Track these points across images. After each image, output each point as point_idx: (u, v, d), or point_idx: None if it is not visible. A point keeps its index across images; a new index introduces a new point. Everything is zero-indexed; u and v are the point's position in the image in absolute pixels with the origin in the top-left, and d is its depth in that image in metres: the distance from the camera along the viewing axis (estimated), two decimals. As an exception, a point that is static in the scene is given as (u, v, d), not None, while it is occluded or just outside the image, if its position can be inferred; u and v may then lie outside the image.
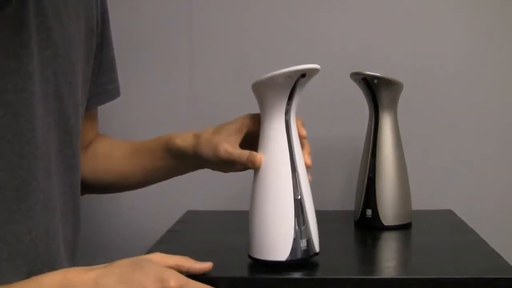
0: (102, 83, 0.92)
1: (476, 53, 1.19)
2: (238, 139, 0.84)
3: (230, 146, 0.83)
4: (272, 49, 1.21)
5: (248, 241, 0.81)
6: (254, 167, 0.80)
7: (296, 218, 0.77)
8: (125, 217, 1.27)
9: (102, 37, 0.90)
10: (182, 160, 0.90)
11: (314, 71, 0.77)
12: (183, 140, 0.88)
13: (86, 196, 1.25)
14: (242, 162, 0.81)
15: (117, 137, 1.00)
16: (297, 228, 0.78)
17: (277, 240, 0.77)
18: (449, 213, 1.13)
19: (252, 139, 0.83)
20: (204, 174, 1.16)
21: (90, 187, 0.95)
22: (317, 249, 0.80)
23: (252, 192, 0.80)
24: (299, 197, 0.78)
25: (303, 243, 0.78)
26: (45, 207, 0.76)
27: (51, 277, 0.67)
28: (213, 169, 0.89)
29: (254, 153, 0.80)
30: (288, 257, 0.77)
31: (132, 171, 0.95)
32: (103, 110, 0.99)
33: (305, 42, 1.21)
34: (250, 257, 0.80)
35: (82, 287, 0.66)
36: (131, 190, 1.00)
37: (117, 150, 0.97)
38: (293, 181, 0.78)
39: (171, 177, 0.95)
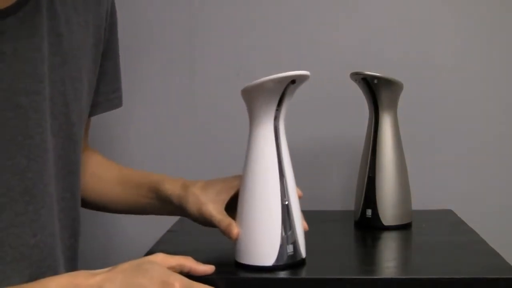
0: (104, 92, 0.92)
1: (476, 53, 1.19)
2: (226, 198, 0.84)
3: (215, 208, 0.83)
4: (272, 49, 1.21)
5: (234, 246, 0.81)
6: (230, 239, 0.80)
7: (283, 224, 0.77)
8: (125, 217, 1.27)
9: (108, 47, 0.90)
10: (166, 205, 0.89)
11: (304, 78, 0.76)
12: (172, 187, 0.88)
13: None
14: (220, 230, 0.82)
15: (107, 157, 1.00)
16: (283, 233, 0.77)
17: (263, 245, 0.77)
18: (449, 213, 1.13)
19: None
20: (204, 175, 1.16)
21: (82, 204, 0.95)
22: (303, 254, 0.80)
23: (240, 197, 0.80)
24: (286, 202, 0.78)
25: (289, 249, 0.78)
26: (50, 211, 0.76)
27: (57, 281, 0.67)
28: (194, 221, 0.88)
29: (233, 225, 0.80)
30: (274, 262, 0.77)
31: (116, 199, 0.95)
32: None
33: (305, 42, 1.21)
34: (236, 262, 0.80)
35: (87, 279, 0.66)
36: (112, 213, 1.00)
37: (106, 174, 0.96)
38: (280, 187, 0.78)
39: (152, 214, 0.95)
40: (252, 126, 0.79)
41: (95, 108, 0.91)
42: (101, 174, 0.96)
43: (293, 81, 0.76)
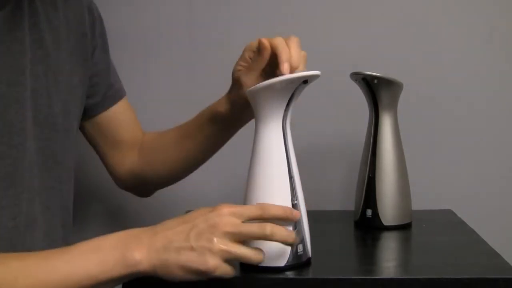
0: (100, 92, 0.96)
1: (476, 53, 1.19)
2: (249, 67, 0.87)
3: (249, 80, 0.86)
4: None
5: None
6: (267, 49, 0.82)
7: (293, 224, 0.77)
8: (125, 218, 1.27)
9: (96, 45, 0.93)
10: (219, 123, 0.93)
11: (315, 77, 0.77)
12: (222, 104, 0.92)
13: (85, 196, 1.25)
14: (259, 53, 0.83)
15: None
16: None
17: (276, 245, 0.76)
18: (449, 213, 1.13)
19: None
20: (204, 175, 1.17)
21: (158, 182, 1.02)
22: (310, 253, 0.81)
23: (248, 198, 0.79)
24: (295, 202, 0.78)
25: (299, 248, 0.78)
26: (30, 197, 0.78)
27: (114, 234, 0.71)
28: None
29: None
30: (286, 262, 0.77)
31: (186, 153, 0.98)
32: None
33: (305, 42, 1.21)
34: (246, 265, 0.77)
35: (142, 229, 0.71)
36: (195, 168, 1.02)
37: (166, 140, 1.00)
38: (290, 187, 0.78)
39: (218, 147, 0.98)
40: (259, 126, 0.78)
41: (97, 107, 0.96)
42: (160, 143, 1.01)
43: (305, 81, 0.76)
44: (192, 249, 0.68)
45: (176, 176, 1.02)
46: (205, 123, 0.94)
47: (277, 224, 0.73)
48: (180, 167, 1.00)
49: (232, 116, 0.91)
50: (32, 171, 0.78)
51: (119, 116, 0.99)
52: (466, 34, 1.19)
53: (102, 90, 0.96)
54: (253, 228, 0.71)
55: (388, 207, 1.00)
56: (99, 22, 0.94)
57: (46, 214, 0.82)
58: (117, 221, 1.27)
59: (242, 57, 0.87)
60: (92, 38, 0.92)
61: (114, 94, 0.98)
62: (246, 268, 0.78)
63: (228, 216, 0.70)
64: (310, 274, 0.78)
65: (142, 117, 1.25)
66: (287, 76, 0.75)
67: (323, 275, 0.78)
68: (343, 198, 1.20)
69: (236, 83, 0.87)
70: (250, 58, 0.86)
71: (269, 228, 0.71)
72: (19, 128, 0.76)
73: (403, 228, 1.01)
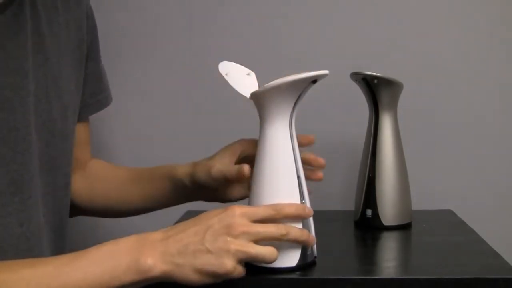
0: (91, 94, 0.95)
1: (476, 53, 1.19)
2: (232, 161, 0.86)
3: (223, 165, 0.86)
4: (272, 49, 1.21)
5: None
6: (245, 176, 0.82)
7: (303, 223, 0.77)
8: (124, 218, 1.27)
9: (91, 50, 0.93)
10: (180, 189, 0.92)
11: (323, 76, 0.77)
12: (183, 168, 0.91)
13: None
14: (233, 176, 0.84)
15: (113, 162, 1.03)
16: None
17: (287, 245, 0.76)
18: (449, 213, 1.13)
19: (249, 162, 0.84)
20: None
21: (87, 210, 0.98)
22: (315, 253, 0.81)
23: (255, 200, 0.79)
24: (303, 201, 0.78)
25: (308, 248, 0.78)
26: (37, 202, 0.77)
27: (125, 238, 0.70)
28: (211, 198, 0.91)
29: (243, 165, 0.82)
30: (298, 262, 0.77)
31: (130, 198, 0.97)
32: (102, 110, 0.99)
33: (306, 42, 1.21)
34: (255, 266, 0.76)
35: (155, 233, 0.70)
36: (127, 216, 1.01)
37: (116, 176, 0.98)
38: (298, 187, 0.78)
39: (169, 206, 0.97)
40: (266, 126, 0.78)
41: (85, 109, 0.94)
42: (108, 176, 0.98)
43: (314, 81, 0.76)
44: (208, 251, 0.67)
45: (108, 213, 1.01)
46: (160, 178, 0.94)
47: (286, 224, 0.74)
48: (116, 207, 0.98)
49: (191, 191, 0.92)
50: (36, 176, 0.78)
51: (85, 131, 0.98)
52: (466, 34, 1.19)
53: (87, 98, 0.94)
54: (270, 228, 0.71)
55: (388, 207, 1.00)
56: (93, 29, 0.94)
57: (43, 221, 0.81)
58: (115, 221, 1.27)
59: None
60: (86, 44, 0.92)
61: (96, 103, 0.97)
62: (256, 269, 0.77)
63: (242, 217, 0.70)
64: (310, 274, 0.78)
65: (143, 117, 1.25)
66: (297, 76, 0.75)
67: (323, 275, 0.78)
68: (343, 198, 1.20)
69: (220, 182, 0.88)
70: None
71: (285, 227, 0.72)
72: (23, 133, 0.75)
73: (403, 228, 1.01)
